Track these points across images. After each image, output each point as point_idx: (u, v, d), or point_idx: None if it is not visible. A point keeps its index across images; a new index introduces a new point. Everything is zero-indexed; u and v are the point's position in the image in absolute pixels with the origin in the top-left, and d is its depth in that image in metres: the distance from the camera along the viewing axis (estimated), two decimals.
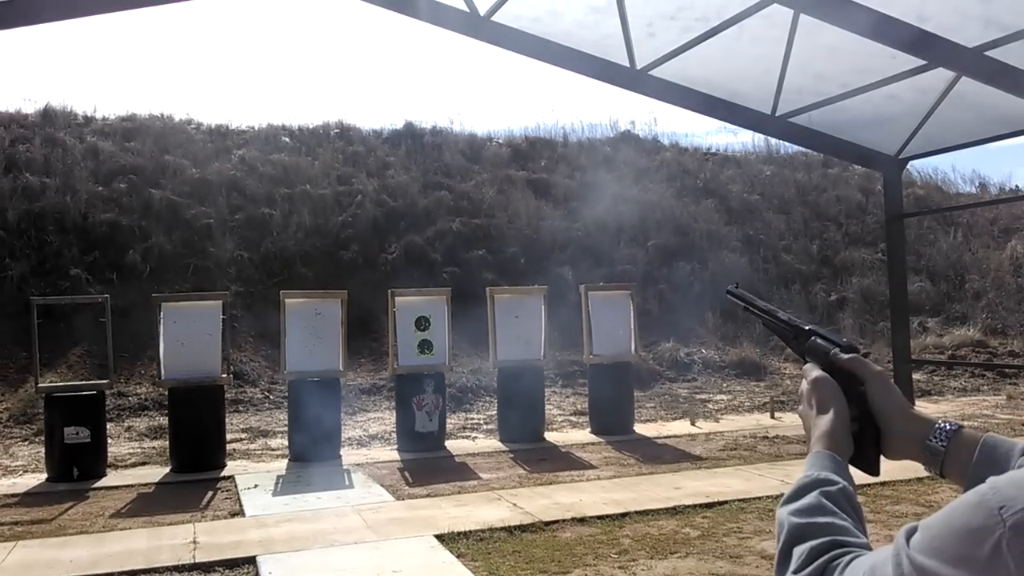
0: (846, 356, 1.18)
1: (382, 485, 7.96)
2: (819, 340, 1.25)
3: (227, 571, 5.55)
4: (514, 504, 7.03)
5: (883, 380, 1.16)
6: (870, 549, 0.89)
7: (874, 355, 15.35)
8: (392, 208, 16.76)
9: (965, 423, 1.12)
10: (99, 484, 8.31)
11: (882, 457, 1.16)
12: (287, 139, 18.55)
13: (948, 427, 1.08)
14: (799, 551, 0.90)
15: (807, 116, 8.97)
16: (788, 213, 19.60)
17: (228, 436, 9.68)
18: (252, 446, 10.17)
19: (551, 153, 20.09)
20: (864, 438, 1.13)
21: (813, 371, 1.20)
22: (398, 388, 10.00)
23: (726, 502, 6.88)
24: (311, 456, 9.13)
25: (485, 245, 16.48)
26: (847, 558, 0.85)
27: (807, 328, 1.29)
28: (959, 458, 1.05)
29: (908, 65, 7.43)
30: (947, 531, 0.72)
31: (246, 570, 5.56)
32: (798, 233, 19.12)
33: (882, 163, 9.76)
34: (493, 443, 10.08)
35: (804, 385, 1.21)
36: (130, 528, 6.69)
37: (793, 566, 0.89)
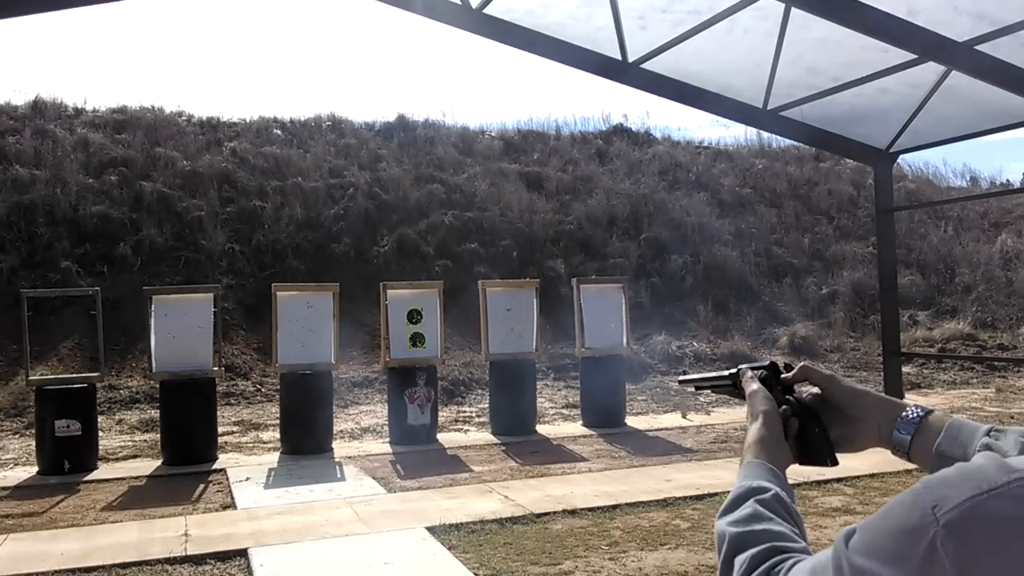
0: (797, 368, 1.24)
1: (374, 478, 7.97)
2: (747, 369, 1.32)
3: (218, 563, 5.55)
4: (505, 496, 7.05)
5: (835, 381, 1.19)
6: (808, 552, 0.90)
7: (864, 348, 15.43)
8: (384, 201, 16.73)
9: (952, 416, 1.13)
10: (90, 477, 8.30)
11: (863, 448, 1.18)
12: (279, 131, 18.49)
13: (918, 412, 1.09)
14: (740, 561, 0.91)
15: (799, 110, 8.99)
16: (780, 207, 19.64)
17: (220, 429, 9.68)
18: (244, 439, 10.16)
19: (543, 146, 20.08)
20: (808, 434, 1.16)
21: (751, 384, 1.24)
22: (390, 381, 10.01)
23: (716, 494, 6.91)
24: (303, 449, 9.13)
25: (477, 238, 16.47)
26: (788, 563, 0.86)
27: (736, 369, 1.36)
28: (924, 441, 1.07)
29: (899, 59, 7.44)
30: (883, 531, 0.72)
31: (238, 562, 5.56)
32: (790, 226, 19.17)
33: (873, 157, 9.78)
34: (485, 436, 10.10)
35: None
36: (121, 521, 6.68)
37: None
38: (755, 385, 1.23)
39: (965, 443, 1.02)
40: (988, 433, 1.02)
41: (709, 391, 1.49)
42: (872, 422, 1.14)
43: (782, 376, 1.26)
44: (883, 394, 1.17)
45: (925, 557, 0.67)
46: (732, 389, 1.37)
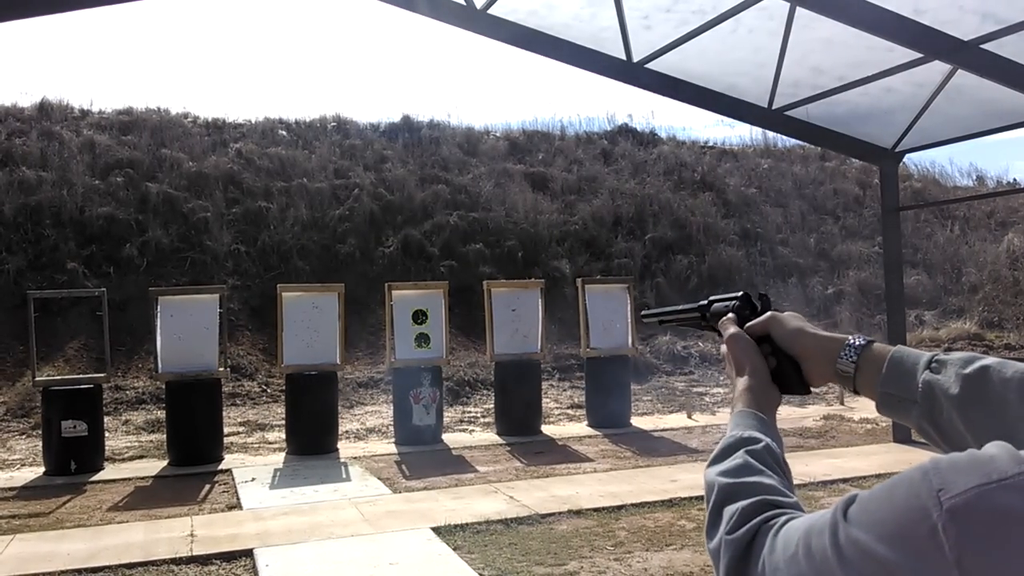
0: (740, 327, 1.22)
1: (379, 478, 7.98)
2: (718, 304, 1.30)
3: (224, 564, 5.57)
4: (511, 497, 7.05)
5: (775, 322, 1.17)
6: (800, 507, 0.88)
7: None
8: (389, 201, 16.75)
9: None
10: (96, 477, 8.33)
11: (818, 384, 1.17)
12: (284, 132, 18.51)
13: (857, 343, 1.08)
14: (729, 511, 0.90)
15: (804, 109, 8.96)
16: (785, 206, 19.60)
17: (225, 429, 9.70)
18: (249, 439, 10.18)
19: (548, 146, 20.08)
20: (784, 369, 1.15)
21: (729, 327, 1.22)
22: (395, 381, 10.01)
23: None
24: (308, 449, 9.15)
25: (482, 238, 16.47)
26: (781, 519, 0.84)
27: (706, 301, 1.34)
28: (869, 376, 1.05)
29: (905, 58, 7.42)
30: (886, 507, 0.71)
31: (243, 563, 5.57)
32: (795, 226, 19.13)
33: (879, 156, 9.75)
34: (490, 436, 10.10)
35: (724, 347, 1.22)
36: (127, 521, 6.70)
37: (725, 527, 0.89)
38: (733, 328, 1.21)
39: (907, 378, 1.00)
40: (930, 366, 0.99)
41: (675, 324, 1.47)
42: (815, 360, 1.12)
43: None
44: (821, 331, 1.15)
45: (925, 540, 0.66)
46: (700, 322, 1.35)
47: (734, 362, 1.17)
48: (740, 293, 1.27)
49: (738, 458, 0.97)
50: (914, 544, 0.67)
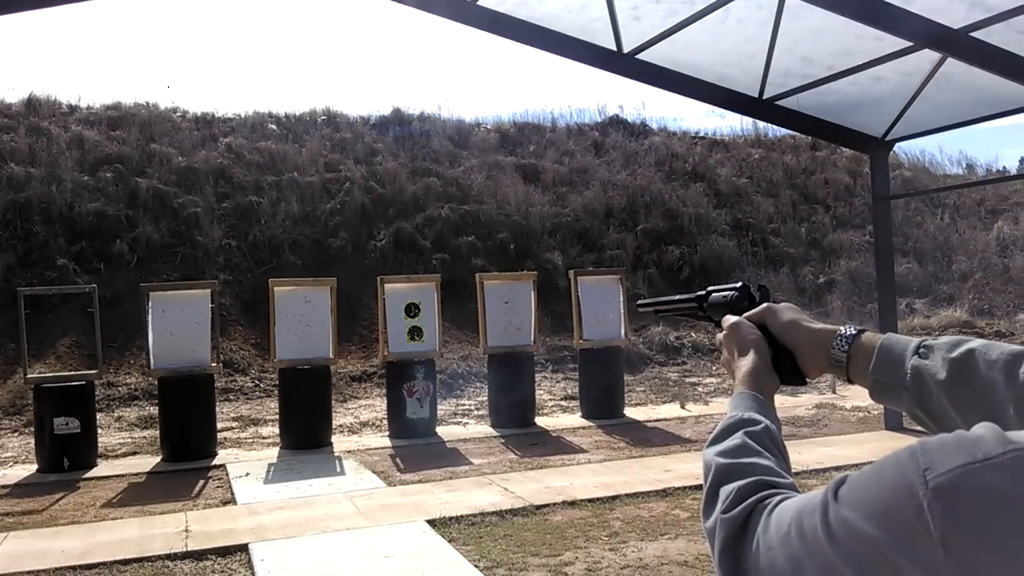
0: (732, 319, 1.23)
1: (373, 471, 7.98)
2: (716, 294, 1.31)
3: (219, 559, 5.56)
4: (505, 488, 7.06)
5: (770, 313, 1.19)
6: (795, 488, 0.89)
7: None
8: (380, 195, 16.71)
9: None
10: (90, 474, 8.30)
11: (814, 376, 1.18)
12: (274, 126, 18.43)
13: (848, 333, 1.09)
14: (726, 491, 0.90)
15: (794, 99, 8.97)
16: (776, 196, 19.63)
17: (219, 425, 9.69)
18: (243, 435, 10.17)
19: (540, 138, 20.04)
20: (780, 360, 1.16)
21: (729, 318, 1.24)
22: (389, 375, 10.01)
23: None
24: (302, 444, 9.14)
25: (474, 231, 16.45)
26: (776, 499, 0.85)
27: (704, 291, 1.35)
28: (860, 364, 1.07)
29: (894, 47, 7.43)
30: (874, 487, 0.72)
31: (239, 557, 5.57)
32: (787, 216, 19.16)
33: (869, 145, 9.77)
34: (484, 428, 10.11)
35: (720, 335, 1.24)
36: (121, 518, 6.69)
37: (721, 507, 0.90)
38: (733, 318, 1.23)
39: (897, 364, 1.01)
40: (918, 351, 1.00)
41: (671, 314, 1.48)
42: (808, 353, 1.14)
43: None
44: (815, 323, 1.16)
45: (911, 518, 0.66)
46: (697, 312, 1.36)
47: (737, 344, 1.18)
48: (739, 284, 1.28)
49: (736, 439, 0.98)
50: (900, 522, 0.67)
